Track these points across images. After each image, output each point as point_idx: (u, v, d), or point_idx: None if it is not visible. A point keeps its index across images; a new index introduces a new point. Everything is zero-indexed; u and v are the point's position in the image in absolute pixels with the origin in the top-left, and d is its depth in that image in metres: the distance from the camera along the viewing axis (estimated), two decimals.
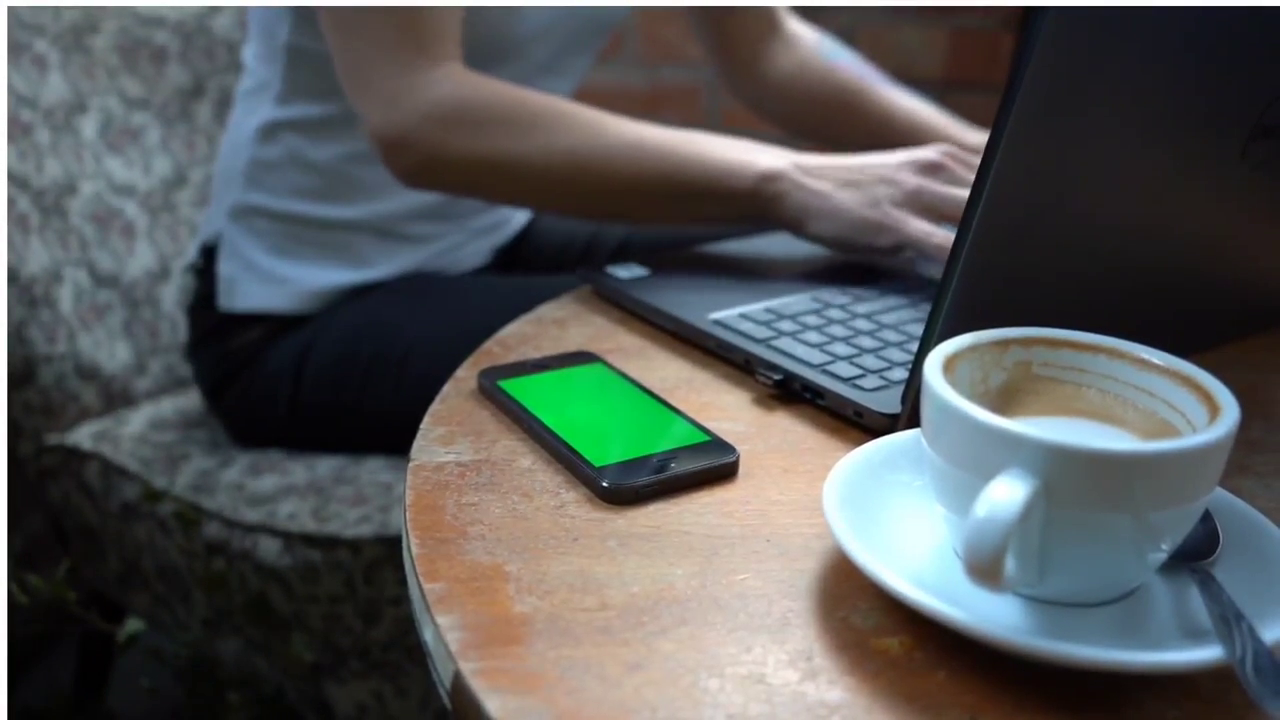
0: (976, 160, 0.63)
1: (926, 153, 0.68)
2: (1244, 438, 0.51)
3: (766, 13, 0.99)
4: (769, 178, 0.68)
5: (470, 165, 0.71)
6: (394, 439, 0.89)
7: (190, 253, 0.96)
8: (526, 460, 0.48)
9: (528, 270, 1.04)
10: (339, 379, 0.87)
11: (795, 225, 0.69)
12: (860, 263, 0.73)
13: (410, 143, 0.71)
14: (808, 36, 1.02)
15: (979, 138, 0.92)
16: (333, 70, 0.81)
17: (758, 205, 0.69)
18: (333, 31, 0.74)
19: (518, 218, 1.04)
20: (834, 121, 0.99)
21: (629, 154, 0.70)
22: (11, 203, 0.98)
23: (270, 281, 0.90)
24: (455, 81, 0.71)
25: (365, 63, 0.72)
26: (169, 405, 1.03)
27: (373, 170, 0.87)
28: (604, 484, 0.45)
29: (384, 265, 0.92)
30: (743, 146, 0.71)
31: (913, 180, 0.66)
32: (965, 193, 0.59)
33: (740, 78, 1.03)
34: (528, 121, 0.70)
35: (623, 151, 0.70)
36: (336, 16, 0.73)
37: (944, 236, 0.63)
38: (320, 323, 0.90)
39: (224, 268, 0.91)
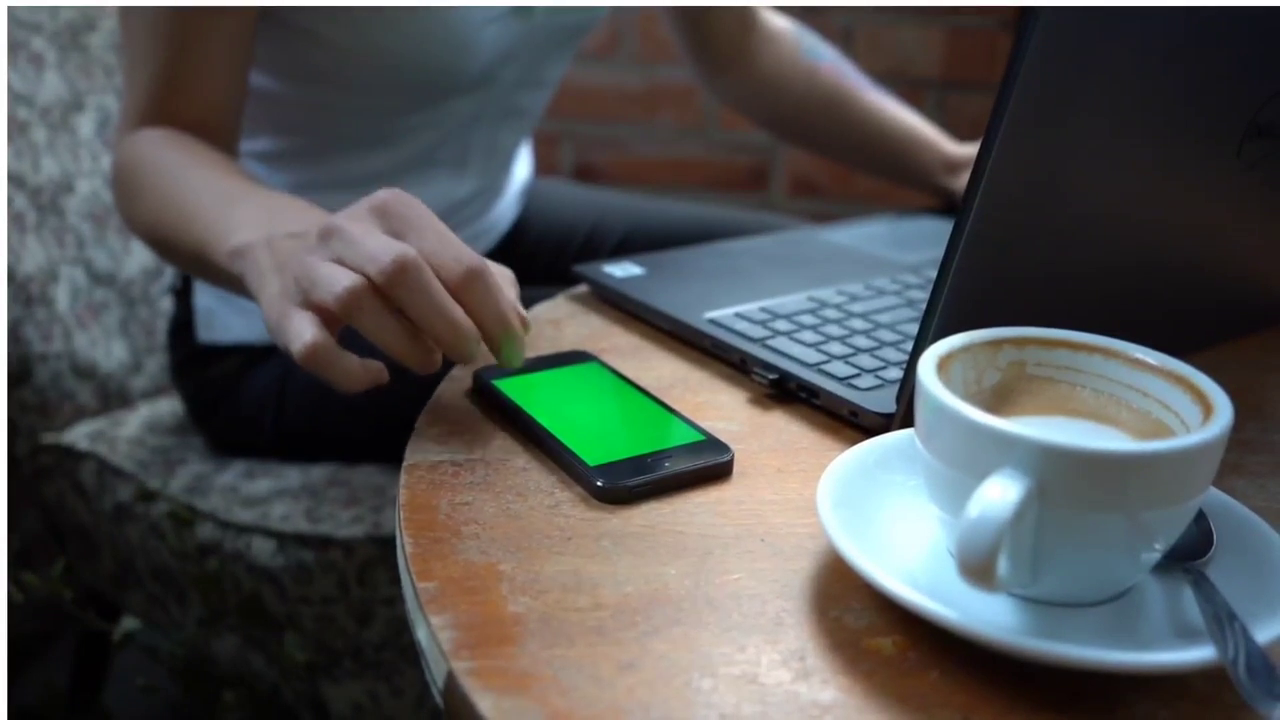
0: (416, 212, 0.49)
1: (343, 215, 0.50)
2: (1238, 438, 0.51)
3: (744, 10, 0.97)
4: (237, 253, 0.56)
5: (131, 227, 0.71)
6: (382, 450, 0.89)
7: (169, 275, 0.95)
8: (521, 459, 0.48)
9: (523, 271, 1.03)
10: (320, 401, 0.87)
11: None
12: (857, 262, 0.73)
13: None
14: (788, 33, 0.99)
15: (964, 150, 0.91)
16: (284, 108, 0.81)
17: (240, 287, 0.57)
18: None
19: (501, 223, 1.02)
20: (817, 127, 0.98)
21: (174, 219, 0.64)
22: (8, 201, 0.98)
23: (246, 312, 0.89)
24: (129, 145, 0.70)
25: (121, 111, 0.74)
26: (166, 407, 1.02)
27: (338, 196, 0.86)
28: (598, 483, 0.45)
29: None
30: (262, 210, 0.58)
31: (303, 259, 0.49)
32: (369, 251, 0.46)
33: (719, 77, 1.00)
34: (136, 186, 0.69)
35: (172, 216, 0.64)
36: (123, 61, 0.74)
37: (316, 338, 0.47)
38: None
39: (200, 300, 0.90)
